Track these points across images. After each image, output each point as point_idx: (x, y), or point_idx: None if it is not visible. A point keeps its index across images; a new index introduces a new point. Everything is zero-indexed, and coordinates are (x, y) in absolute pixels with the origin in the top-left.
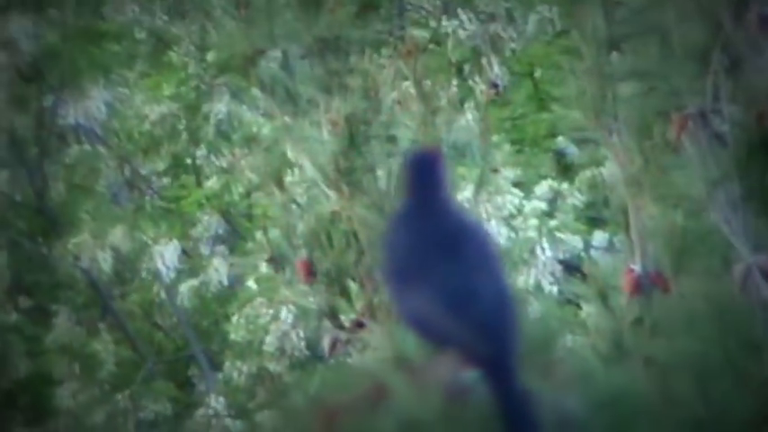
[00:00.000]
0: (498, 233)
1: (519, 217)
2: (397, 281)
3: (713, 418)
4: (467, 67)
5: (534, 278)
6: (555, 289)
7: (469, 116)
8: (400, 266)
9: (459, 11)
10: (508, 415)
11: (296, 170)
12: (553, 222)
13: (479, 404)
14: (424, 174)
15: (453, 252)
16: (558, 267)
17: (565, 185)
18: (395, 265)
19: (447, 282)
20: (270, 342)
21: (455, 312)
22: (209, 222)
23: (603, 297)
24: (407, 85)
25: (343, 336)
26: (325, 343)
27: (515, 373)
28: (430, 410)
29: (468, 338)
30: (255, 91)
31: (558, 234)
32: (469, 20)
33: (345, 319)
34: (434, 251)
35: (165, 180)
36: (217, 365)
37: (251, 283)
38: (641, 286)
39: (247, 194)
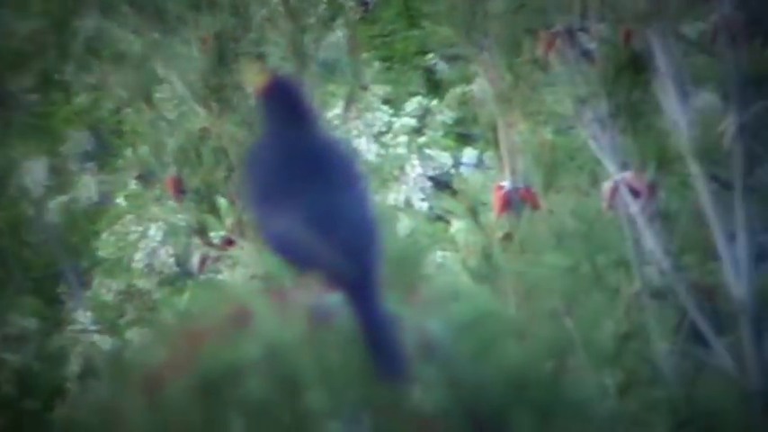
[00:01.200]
0: (368, 150)
1: (389, 134)
2: (261, 204)
3: (582, 335)
4: None
5: (404, 195)
6: (425, 205)
7: (339, 33)
8: (264, 190)
9: None
10: (370, 338)
11: (165, 87)
12: (423, 139)
13: (343, 327)
14: (285, 99)
15: (317, 175)
16: (428, 184)
17: (434, 102)
18: (258, 188)
19: (311, 204)
20: (139, 259)
21: (319, 234)
22: (79, 139)
23: (473, 213)
24: (276, 3)
25: (212, 253)
26: (195, 260)
27: (378, 295)
28: (294, 334)
29: (332, 261)
30: (126, 8)
31: (428, 151)
32: None
33: (215, 236)
34: (298, 174)
35: (34, 96)
36: (86, 282)
37: (120, 200)
38: (511, 202)
39: (117, 111)
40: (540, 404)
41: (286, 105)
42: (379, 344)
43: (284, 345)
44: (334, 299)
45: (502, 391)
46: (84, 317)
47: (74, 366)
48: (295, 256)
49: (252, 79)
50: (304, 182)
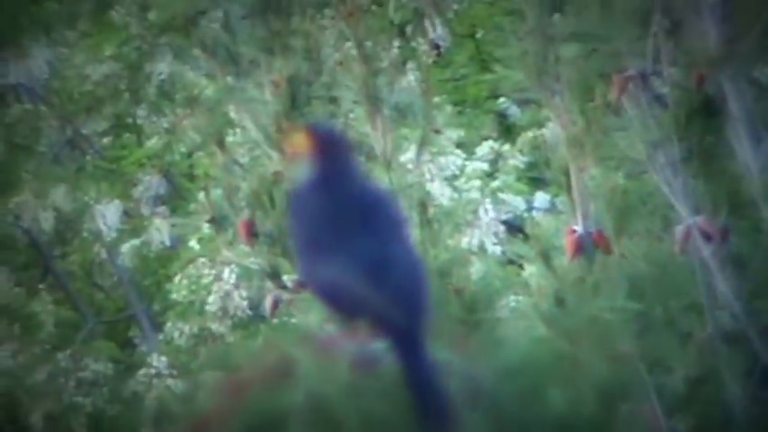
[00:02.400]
0: (441, 194)
1: (461, 178)
2: (307, 252)
3: (654, 379)
4: (409, 28)
5: (477, 239)
6: (498, 249)
7: (411, 77)
8: (311, 237)
9: None
10: (416, 386)
11: (238, 131)
12: (495, 183)
13: (387, 375)
14: (330, 144)
15: (366, 222)
16: (501, 228)
17: (507, 146)
18: (305, 235)
19: (362, 252)
20: (212, 302)
21: (370, 282)
22: (151, 182)
23: (546, 257)
24: (349, 47)
25: (285, 296)
26: (268, 303)
27: (425, 343)
28: (337, 382)
29: (381, 309)
30: (198, 51)
31: (501, 195)
32: None
33: (287, 279)
34: (347, 221)
35: (107, 140)
36: (158, 326)
37: (193, 244)
38: (583, 247)
39: (189, 155)
40: None
41: (330, 152)
42: (425, 392)
43: (327, 393)
44: (379, 346)
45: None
46: (157, 361)
47: (148, 411)
48: (343, 304)
49: (295, 142)
50: (352, 230)
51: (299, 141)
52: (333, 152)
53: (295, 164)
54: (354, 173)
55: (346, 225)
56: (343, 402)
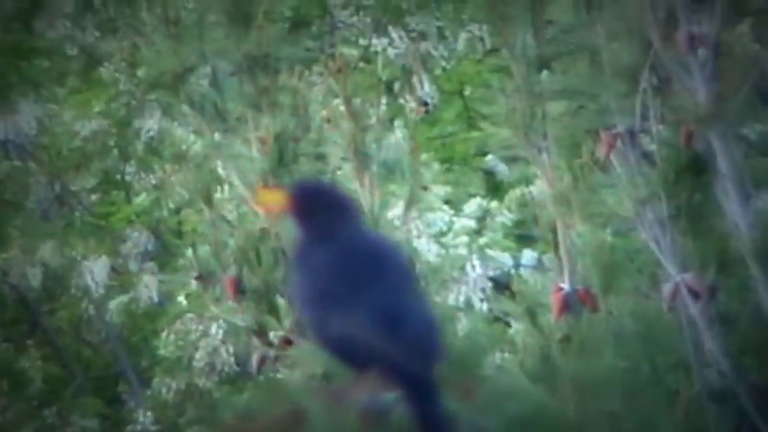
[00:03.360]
0: (428, 250)
1: (449, 234)
2: (317, 307)
3: None
4: (397, 85)
5: (464, 295)
6: (485, 306)
7: (399, 134)
8: (319, 291)
9: (390, 29)
10: None
11: (225, 187)
12: (483, 240)
13: (397, 426)
14: (326, 199)
15: (376, 274)
16: (488, 284)
17: (494, 203)
18: (313, 290)
19: (374, 303)
20: (199, 358)
21: (384, 333)
22: (139, 239)
23: (532, 315)
24: (337, 103)
25: (271, 352)
26: (254, 359)
27: (439, 393)
28: None
29: (396, 359)
30: (186, 107)
31: (488, 251)
32: (400, 38)
33: (274, 335)
34: (357, 274)
35: (95, 196)
36: (146, 381)
37: (181, 299)
38: (570, 304)
39: (177, 211)
40: None
41: (324, 205)
42: None
43: None
44: (390, 397)
45: None
46: (144, 416)
47: None
48: (355, 356)
49: (267, 200)
50: (362, 281)
51: (274, 200)
52: (323, 206)
53: (279, 221)
54: (355, 225)
55: (356, 277)
56: None
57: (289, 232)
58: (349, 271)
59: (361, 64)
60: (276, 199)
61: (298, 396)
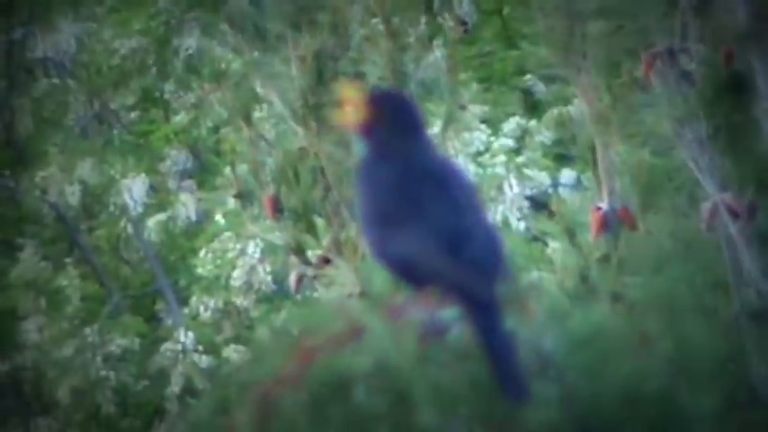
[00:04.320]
0: (466, 170)
1: (486, 154)
2: (379, 222)
3: (683, 355)
4: (436, 4)
5: (502, 214)
6: (522, 225)
7: (438, 53)
8: (382, 207)
9: None
10: (494, 355)
11: (264, 106)
12: (520, 159)
13: (456, 343)
14: (401, 112)
15: (439, 193)
16: (526, 204)
17: (532, 123)
18: (375, 206)
19: (438, 221)
20: (237, 277)
21: (448, 251)
22: (177, 157)
23: (571, 234)
24: (376, 22)
25: (309, 271)
26: (292, 278)
27: (501, 312)
28: (406, 350)
29: (459, 277)
30: (225, 26)
31: (526, 171)
32: None
33: (312, 254)
34: (421, 191)
35: (134, 114)
36: (184, 300)
37: (219, 218)
38: (608, 223)
39: (216, 130)
40: (654, 420)
41: (398, 118)
42: (504, 363)
43: (396, 360)
44: (448, 314)
45: (616, 407)
46: (182, 335)
47: (173, 386)
48: (417, 274)
49: (349, 95)
50: (426, 199)
51: (354, 101)
52: (400, 118)
53: (348, 121)
54: (423, 143)
55: (420, 195)
56: (411, 370)
57: (355, 149)
58: (412, 189)
59: None
60: (357, 100)
61: (356, 313)
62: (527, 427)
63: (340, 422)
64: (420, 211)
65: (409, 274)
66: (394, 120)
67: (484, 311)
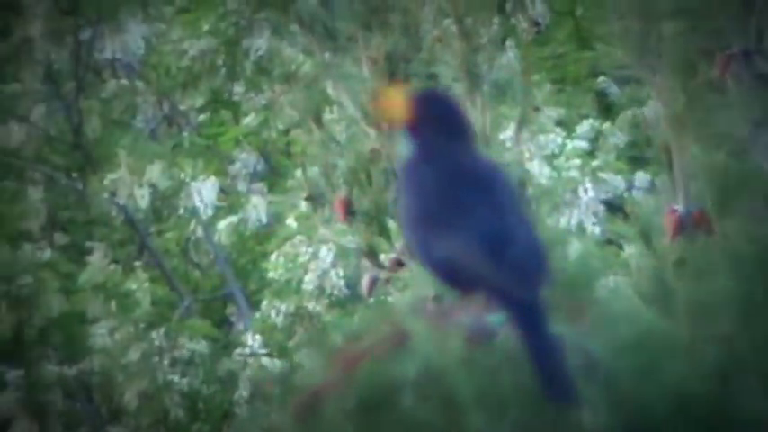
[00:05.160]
0: (540, 173)
1: (561, 156)
2: (424, 226)
3: (753, 359)
4: (509, 5)
5: (576, 218)
6: (597, 229)
7: (510, 54)
8: (426, 210)
9: None
10: (538, 360)
11: (335, 107)
12: (595, 162)
13: (503, 347)
14: (442, 113)
15: (484, 194)
16: (601, 207)
17: (606, 125)
18: (419, 208)
19: (481, 224)
20: (309, 280)
21: (491, 254)
22: (247, 159)
23: (646, 237)
24: (448, 23)
25: (382, 275)
26: (365, 282)
27: (545, 316)
28: (452, 354)
29: (502, 281)
30: (296, 26)
31: (601, 174)
32: None
33: (385, 257)
34: (465, 193)
35: (203, 116)
36: (254, 304)
37: (290, 221)
38: (683, 227)
39: (286, 132)
40: (705, 424)
41: (443, 120)
42: (547, 366)
43: (442, 365)
44: (495, 318)
45: (665, 411)
46: (252, 339)
47: (242, 390)
48: (461, 278)
49: (392, 99)
50: (470, 202)
51: (397, 101)
52: (444, 120)
53: (399, 129)
54: (469, 143)
55: (464, 197)
56: (458, 375)
57: (399, 149)
58: (456, 191)
59: None
60: (399, 101)
61: (401, 317)
62: (575, 431)
63: (386, 429)
64: (463, 213)
65: (453, 277)
66: (438, 120)
67: (527, 314)
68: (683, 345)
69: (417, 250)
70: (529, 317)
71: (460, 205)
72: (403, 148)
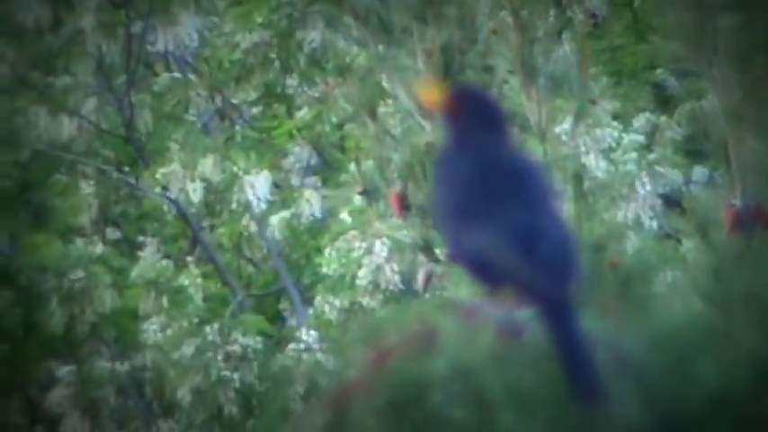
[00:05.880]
0: (597, 166)
1: (618, 150)
2: (455, 219)
3: None
4: None
5: (633, 212)
6: (654, 223)
7: (567, 47)
8: (458, 204)
9: None
10: (568, 356)
11: (390, 100)
12: (652, 156)
13: (533, 343)
14: (478, 107)
15: (516, 189)
16: (658, 201)
17: (663, 118)
18: (451, 202)
19: (512, 219)
20: (363, 275)
21: (521, 250)
22: (301, 153)
23: (703, 232)
24: (504, 15)
25: (438, 269)
26: (420, 277)
27: (575, 312)
28: (482, 350)
29: (531, 277)
30: (349, 19)
31: (658, 168)
32: None
33: (440, 252)
34: (497, 188)
35: (256, 110)
36: (308, 299)
37: (344, 216)
38: (742, 221)
39: (340, 125)
40: (742, 421)
41: (479, 114)
42: (576, 362)
43: (472, 362)
44: (525, 314)
45: (700, 407)
46: (307, 335)
47: (298, 386)
48: (491, 273)
49: (430, 94)
50: (502, 196)
51: (439, 98)
52: (478, 114)
53: (438, 122)
54: (505, 139)
55: (496, 192)
56: (488, 371)
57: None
58: (487, 185)
59: None
60: (436, 94)
61: (431, 313)
62: (607, 428)
63: (416, 426)
64: (495, 206)
65: (483, 271)
66: (474, 114)
67: (557, 310)
68: (720, 340)
69: (448, 242)
70: (558, 313)
71: (493, 199)
72: (440, 140)
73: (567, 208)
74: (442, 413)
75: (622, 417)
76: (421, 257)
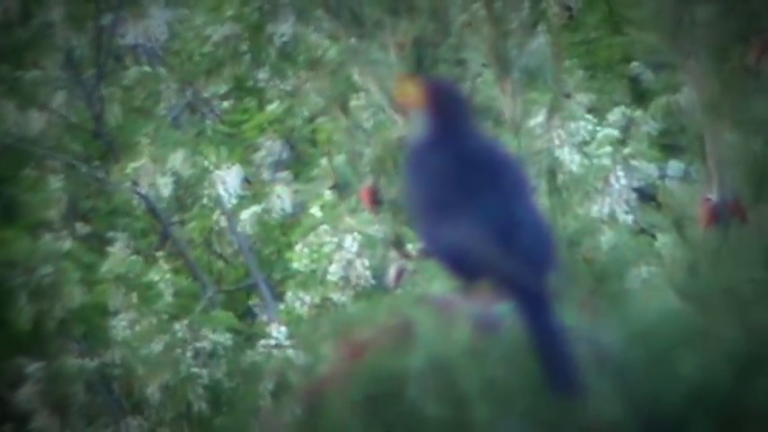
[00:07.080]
0: (571, 160)
1: (592, 144)
2: (430, 212)
3: None
4: None
5: (608, 207)
6: (629, 218)
7: (541, 39)
8: (431, 197)
9: None
10: (543, 349)
11: (362, 94)
12: (627, 150)
13: (510, 337)
14: (446, 100)
15: (492, 181)
16: (633, 196)
17: (639, 112)
18: (424, 195)
19: (487, 211)
20: (334, 271)
21: (496, 242)
22: (272, 147)
23: (679, 227)
24: (477, 7)
25: (409, 265)
26: (391, 273)
27: (552, 305)
28: (458, 345)
29: (508, 269)
30: (321, 12)
31: (633, 162)
32: None
33: (412, 247)
34: (472, 180)
35: (227, 103)
36: (279, 295)
37: (315, 211)
38: (718, 216)
39: (311, 119)
40: (720, 415)
41: (448, 107)
42: (553, 356)
43: (448, 356)
44: (502, 308)
45: (678, 402)
46: (277, 331)
47: (267, 383)
48: (466, 266)
49: (406, 92)
50: (476, 188)
51: (412, 93)
52: (449, 107)
53: (410, 117)
54: (474, 130)
55: (470, 183)
56: (464, 365)
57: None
58: (462, 177)
59: None
60: (411, 90)
61: (407, 308)
62: (584, 422)
63: (391, 420)
64: (469, 198)
65: (458, 264)
66: (446, 107)
67: (533, 303)
68: (699, 334)
69: (423, 236)
70: (534, 305)
71: (466, 190)
72: (412, 133)
73: (541, 202)
74: (417, 407)
75: (598, 410)
76: (392, 253)
